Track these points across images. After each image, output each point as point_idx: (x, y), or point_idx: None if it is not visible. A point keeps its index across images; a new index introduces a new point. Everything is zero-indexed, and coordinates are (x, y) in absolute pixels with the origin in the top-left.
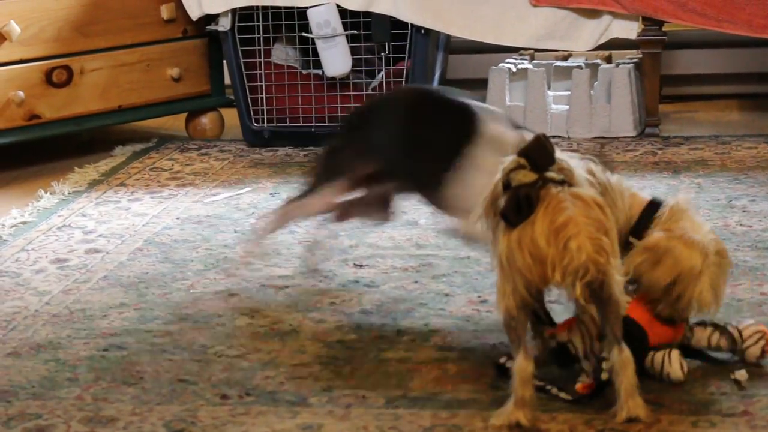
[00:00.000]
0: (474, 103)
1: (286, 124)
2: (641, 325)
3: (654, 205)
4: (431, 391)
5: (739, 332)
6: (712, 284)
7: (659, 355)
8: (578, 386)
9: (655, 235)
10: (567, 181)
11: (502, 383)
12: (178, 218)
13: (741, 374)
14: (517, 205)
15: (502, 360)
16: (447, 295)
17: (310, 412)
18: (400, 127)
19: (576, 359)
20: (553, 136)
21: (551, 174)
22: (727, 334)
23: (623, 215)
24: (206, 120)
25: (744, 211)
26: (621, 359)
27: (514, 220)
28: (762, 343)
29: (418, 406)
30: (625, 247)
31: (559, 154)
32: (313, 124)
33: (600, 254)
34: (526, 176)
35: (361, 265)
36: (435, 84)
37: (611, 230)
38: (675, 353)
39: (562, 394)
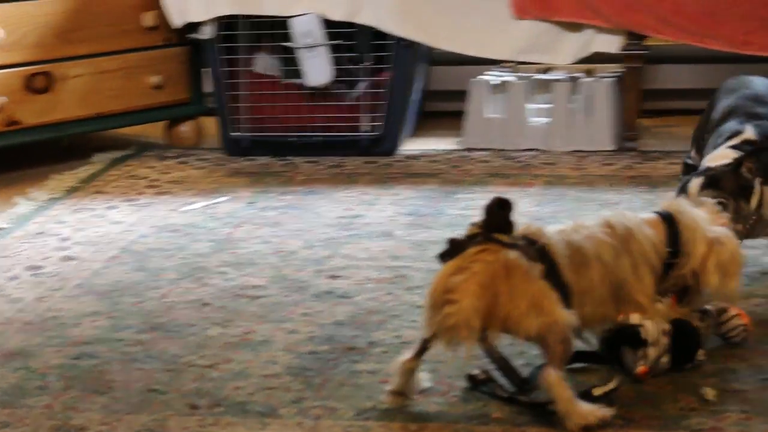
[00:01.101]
0: None
1: (266, 134)
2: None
3: (669, 220)
4: (401, 404)
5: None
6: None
7: None
8: (638, 369)
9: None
10: (520, 248)
11: (473, 396)
12: (154, 226)
13: (709, 391)
14: (449, 246)
15: (475, 372)
16: (420, 306)
17: (280, 424)
18: None
19: (644, 343)
20: (532, 149)
21: (499, 236)
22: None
23: (654, 256)
24: (186, 128)
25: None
26: (546, 382)
27: (441, 259)
28: (744, 333)
29: (387, 419)
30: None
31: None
32: (293, 133)
33: (476, 315)
34: (471, 230)
35: (335, 276)
36: (414, 95)
37: (530, 289)
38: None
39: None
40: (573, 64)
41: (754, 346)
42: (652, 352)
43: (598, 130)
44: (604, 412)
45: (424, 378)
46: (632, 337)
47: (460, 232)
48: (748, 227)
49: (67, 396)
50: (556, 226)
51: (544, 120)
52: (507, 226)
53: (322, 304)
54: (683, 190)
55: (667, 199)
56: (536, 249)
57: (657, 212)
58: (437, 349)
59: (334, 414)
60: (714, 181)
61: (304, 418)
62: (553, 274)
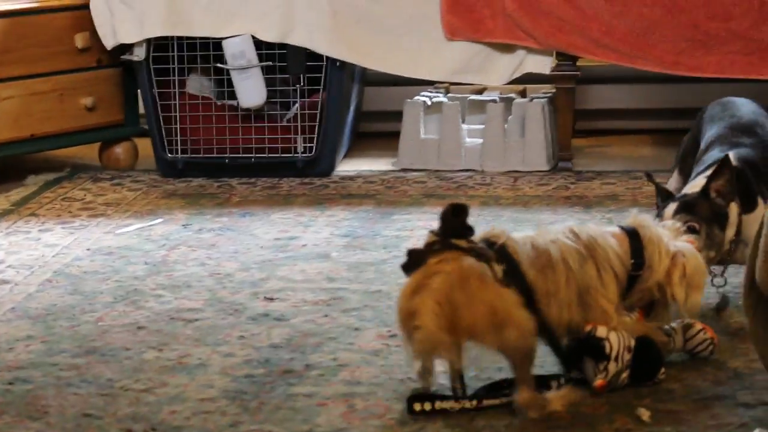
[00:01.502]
0: None
1: (200, 155)
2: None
3: (633, 234)
4: (338, 427)
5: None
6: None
7: None
8: (597, 382)
9: None
10: (478, 251)
11: (410, 419)
12: (88, 249)
13: (644, 411)
14: (408, 258)
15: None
16: (357, 329)
17: None
18: None
19: (606, 357)
20: (467, 170)
21: (457, 241)
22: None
23: (618, 264)
24: (120, 150)
25: None
26: (519, 401)
27: (404, 271)
28: (711, 348)
29: None
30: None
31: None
32: (228, 155)
33: (440, 330)
34: (429, 238)
35: (271, 299)
36: (349, 116)
37: (487, 296)
38: None
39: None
40: (506, 85)
41: (689, 367)
42: (612, 367)
43: (532, 150)
44: (574, 394)
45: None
46: (595, 350)
47: (413, 245)
48: (720, 254)
49: (1, 422)
50: (519, 233)
51: (478, 141)
52: (464, 232)
53: (258, 326)
54: (659, 216)
55: (630, 216)
56: (496, 250)
57: (620, 227)
58: (371, 373)
59: None
60: (687, 207)
61: None
62: (514, 273)
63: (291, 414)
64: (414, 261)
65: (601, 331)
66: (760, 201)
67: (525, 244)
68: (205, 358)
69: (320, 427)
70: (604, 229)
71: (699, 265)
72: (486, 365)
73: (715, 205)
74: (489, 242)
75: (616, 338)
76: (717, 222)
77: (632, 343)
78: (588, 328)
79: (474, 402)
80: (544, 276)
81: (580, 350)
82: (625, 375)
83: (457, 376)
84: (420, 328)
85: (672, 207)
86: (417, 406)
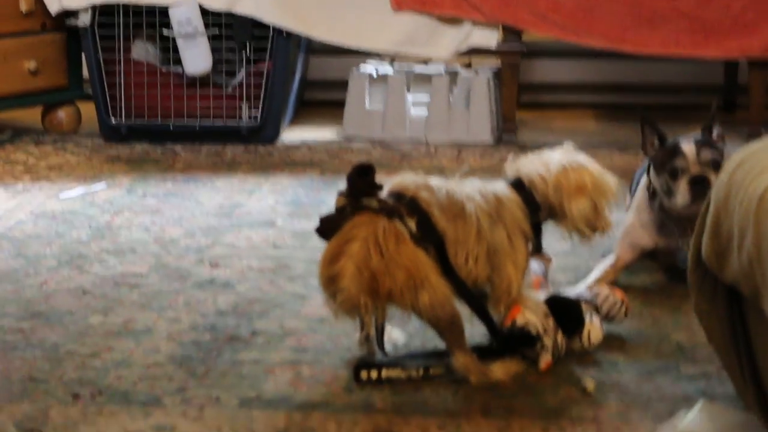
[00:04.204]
0: None
1: (144, 120)
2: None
3: (518, 184)
4: (285, 393)
5: (597, 302)
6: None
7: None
8: (542, 365)
9: None
10: (389, 208)
11: (357, 386)
12: (32, 213)
13: (589, 382)
14: (321, 225)
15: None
16: (302, 296)
17: (164, 413)
18: None
19: (537, 338)
20: (412, 141)
21: (367, 201)
22: (589, 304)
23: (525, 223)
24: (62, 113)
25: None
26: (456, 366)
27: (321, 236)
28: (623, 308)
29: (272, 408)
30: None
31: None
32: (171, 120)
33: (361, 294)
34: (339, 202)
35: (217, 265)
36: (294, 84)
37: (404, 261)
38: (595, 318)
39: (431, 370)
40: (451, 57)
41: (633, 338)
42: (547, 341)
43: (477, 123)
44: (517, 365)
45: (396, 334)
46: (524, 339)
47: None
48: None
49: None
50: (436, 179)
51: (423, 113)
52: (372, 190)
53: (204, 292)
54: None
55: (508, 164)
56: (406, 203)
57: (504, 180)
58: (318, 340)
59: (218, 403)
60: (707, 143)
61: (188, 408)
62: (425, 224)
63: (238, 380)
64: (328, 227)
65: (520, 319)
66: None
67: (440, 190)
68: (151, 324)
69: (267, 393)
70: (497, 186)
71: (586, 174)
72: (432, 333)
73: (720, 146)
74: (399, 195)
75: (533, 315)
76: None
77: (545, 308)
78: (507, 323)
79: (420, 371)
80: (455, 225)
81: (512, 347)
82: (560, 338)
83: (380, 332)
84: (342, 291)
85: (693, 145)
86: (363, 374)
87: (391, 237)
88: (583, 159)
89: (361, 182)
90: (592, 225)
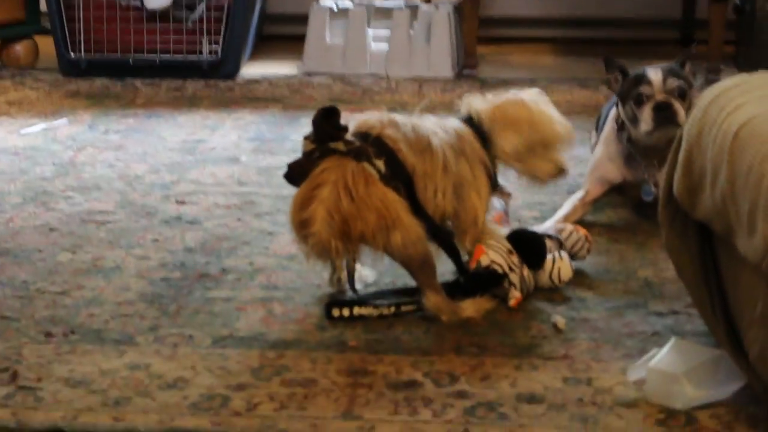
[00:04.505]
0: None
1: (104, 55)
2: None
3: (468, 120)
4: (258, 331)
5: (562, 239)
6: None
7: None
8: (512, 302)
9: None
10: (357, 150)
11: (329, 324)
12: None
13: (559, 319)
14: (290, 171)
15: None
16: (270, 233)
17: (137, 351)
18: None
19: (503, 276)
20: (373, 75)
21: (334, 145)
22: (554, 240)
23: (483, 155)
24: (20, 48)
25: None
26: (428, 306)
27: (290, 183)
28: (587, 245)
29: (245, 346)
30: None
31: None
32: (131, 55)
33: (332, 238)
34: (306, 146)
35: (183, 202)
36: (254, 18)
37: (374, 203)
38: (563, 253)
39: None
40: None
41: (601, 275)
42: (514, 277)
43: (438, 57)
44: (488, 303)
45: (366, 272)
46: (491, 278)
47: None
48: None
49: None
50: (401, 115)
51: (383, 46)
52: (338, 132)
53: (172, 230)
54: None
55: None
56: (372, 142)
57: (456, 118)
58: (288, 278)
59: (191, 341)
60: (673, 72)
61: (162, 346)
62: (394, 162)
63: (210, 318)
64: (297, 173)
65: (484, 260)
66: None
67: (406, 125)
68: (120, 261)
69: (240, 331)
70: (452, 121)
71: (519, 110)
72: (402, 272)
73: (690, 78)
74: (365, 135)
75: (496, 254)
76: (690, 93)
77: (507, 244)
78: (472, 265)
79: (392, 308)
80: (423, 159)
81: (480, 287)
82: (526, 272)
83: (351, 272)
84: (313, 235)
85: (659, 73)
86: (335, 312)
87: (361, 179)
88: (541, 101)
89: (327, 125)
90: (528, 165)
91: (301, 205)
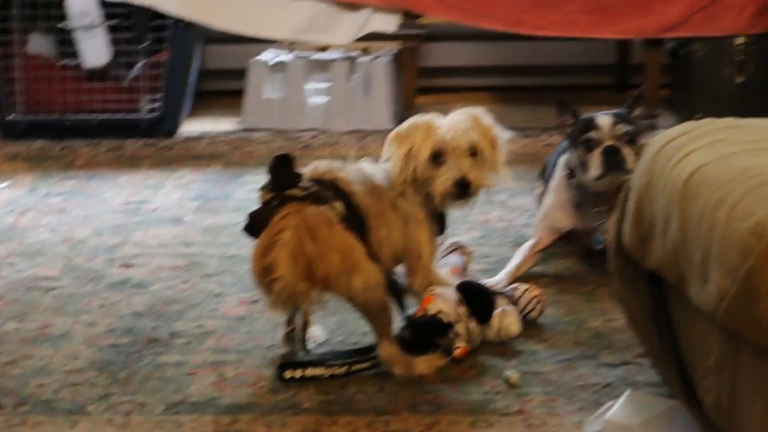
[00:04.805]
0: None
1: (43, 116)
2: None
3: None
4: (211, 396)
5: (514, 298)
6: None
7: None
8: (456, 352)
9: None
10: (315, 194)
11: (282, 386)
12: None
13: (512, 374)
14: (250, 223)
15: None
16: (218, 295)
17: (89, 421)
18: None
19: (449, 325)
20: (312, 129)
21: (291, 192)
22: (504, 295)
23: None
24: None
25: (504, 206)
26: (382, 356)
27: (249, 235)
28: (539, 306)
29: (198, 412)
30: None
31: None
32: (71, 115)
33: (297, 281)
34: (265, 196)
35: (129, 265)
36: (192, 75)
37: (337, 244)
38: (511, 309)
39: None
40: (351, 43)
41: (551, 327)
42: (460, 328)
43: (377, 109)
44: (440, 359)
45: (318, 332)
46: (437, 326)
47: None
48: None
49: None
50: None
51: (323, 100)
52: (295, 180)
53: (119, 294)
54: (587, 128)
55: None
56: (329, 186)
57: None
58: (238, 340)
59: (143, 409)
60: (623, 118)
61: (114, 415)
62: (349, 204)
63: (162, 384)
64: (257, 222)
65: (431, 308)
66: None
67: (354, 171)
68: (68, 328)
69: (192, 396)
70: (384, 165)
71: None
72: (352, 330)
73: (639, 123)
74: (320, 180)
75: (444, 303)
76: (639, 138)
77: (457, 295)
78: (419, 313)
79: (344, 368)
80: (374, 199)
81: (425, 336)
82: (473, 324)
83: (303, 330)
84: (278, 279)
85: (608, 118)
86: (288, 374)
87: (322, 222)
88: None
89: (284, 173)
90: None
91: (263, 252)
